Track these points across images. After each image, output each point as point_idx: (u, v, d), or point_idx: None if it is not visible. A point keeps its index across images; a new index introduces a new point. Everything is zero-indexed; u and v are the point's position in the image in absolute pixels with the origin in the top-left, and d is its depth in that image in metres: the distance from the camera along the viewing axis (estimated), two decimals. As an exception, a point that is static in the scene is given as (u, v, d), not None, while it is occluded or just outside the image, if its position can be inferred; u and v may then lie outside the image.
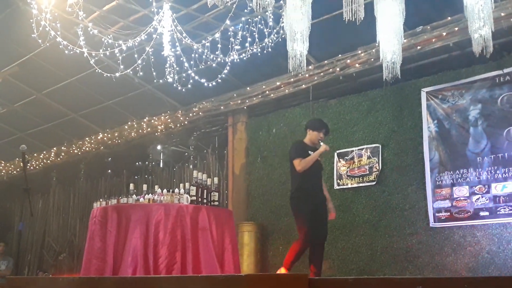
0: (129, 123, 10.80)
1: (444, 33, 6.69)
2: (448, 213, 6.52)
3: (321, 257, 5.58)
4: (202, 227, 5.57)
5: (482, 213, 6.28)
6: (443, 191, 6.61)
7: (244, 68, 8.00)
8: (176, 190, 6.01)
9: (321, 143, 5.66)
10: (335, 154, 7.71)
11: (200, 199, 5.98)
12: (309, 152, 5.61)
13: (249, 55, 7.27)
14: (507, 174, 6.18)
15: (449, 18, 6.68)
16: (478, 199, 6.34)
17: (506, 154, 6.22)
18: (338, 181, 7.61)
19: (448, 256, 6.40)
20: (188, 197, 5.84)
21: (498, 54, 6.26)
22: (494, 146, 6.33)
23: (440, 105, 6.81)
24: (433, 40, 6.79)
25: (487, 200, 6.27)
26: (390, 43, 5.66)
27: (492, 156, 6.32)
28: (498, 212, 6.16)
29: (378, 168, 7.24)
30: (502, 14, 6.09)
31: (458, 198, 6.48)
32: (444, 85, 6.83)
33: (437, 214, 6.60)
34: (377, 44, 5.95)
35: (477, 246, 6.24)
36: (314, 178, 5.66)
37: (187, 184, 6.14)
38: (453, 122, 6.67)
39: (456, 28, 6.54)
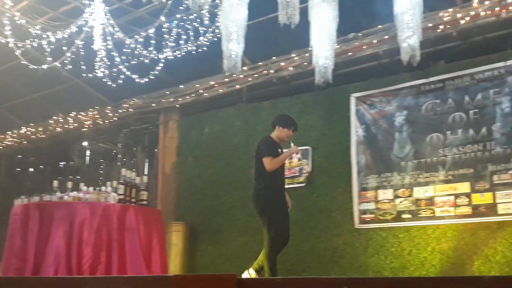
0: (54, 117, 10.42)
1: (375, 41, 6.91)
2: (373, 215, 6.73)
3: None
4: (129, 227, 5.44)
5: (404, 216, 6.51)
6: (368, 193, 6.80)
7: (177, 66, 7.93)
8: (103, 188, 5.86)
9: (292, 144, 5.29)
10: (266, 155, 7.77)
11: (128, 198, 5.85)
12: (278, 150, 5.30)
13: (183, 53, 7.20)
14: (429, 178, 6.45)
15: (379, 26, 6.90)
16: (401, 202, 6.56)
17: (428, 159, 6.47)
18: (269, 182, 7.65)
19: (372, 256, 6.61)
20: (116, 195, 5.70)
21: (425, 63, 6.48)
22: (417, 152, 6.55)
23: (368, 111, 7.00)
24: (364, 47, 6.99)
25: (409, 203, 6.51)
26: (323, 48, 5.77)
27: (415, 161, 6.54)
28: (419, 215, 6.41)
29: (308, 170, 7.35)
30: (430, 24, 6.38)
31: (383, 201, 6.69)
32: (372, 91, 7.02)
33: (362, 216, 6.80)
34: (310, 49, 6.03)
35: (399, 247, 6.45)
36: (281, 176, 5.38)
37: (114, 183, 6.00)
38: (380, 127, 6.86)
39: (386, 36, 6.75)
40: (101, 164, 10.34)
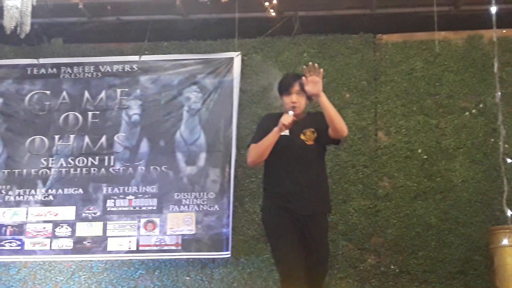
0: None
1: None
2: None
3: None
4: None
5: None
6: None
7: None
8: None
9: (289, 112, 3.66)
10: None
11: None
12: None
13: None
14: (21, 197, 5.90)
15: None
16: (-18, 227, 5.77)
17: (25, 170, 5.91)
18: None
19: None
20: None
21: (36, 37, 6.13)
22: (11, 158, 5.98)
23: None
24: None
25: (-9, 229, 5.78)
26: None
27: (6, 170, 5.97)
28: (2, 248, 5.79)
29: None
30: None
31: (-51, 226, 5.77)
32: None
33: None
34: None
35: (-35, 294, 5.59)
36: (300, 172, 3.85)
37: None
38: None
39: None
40: None
